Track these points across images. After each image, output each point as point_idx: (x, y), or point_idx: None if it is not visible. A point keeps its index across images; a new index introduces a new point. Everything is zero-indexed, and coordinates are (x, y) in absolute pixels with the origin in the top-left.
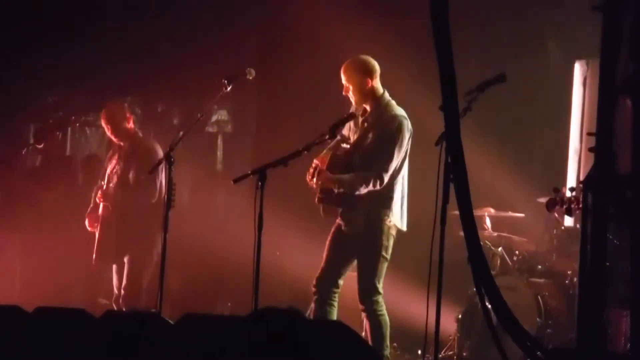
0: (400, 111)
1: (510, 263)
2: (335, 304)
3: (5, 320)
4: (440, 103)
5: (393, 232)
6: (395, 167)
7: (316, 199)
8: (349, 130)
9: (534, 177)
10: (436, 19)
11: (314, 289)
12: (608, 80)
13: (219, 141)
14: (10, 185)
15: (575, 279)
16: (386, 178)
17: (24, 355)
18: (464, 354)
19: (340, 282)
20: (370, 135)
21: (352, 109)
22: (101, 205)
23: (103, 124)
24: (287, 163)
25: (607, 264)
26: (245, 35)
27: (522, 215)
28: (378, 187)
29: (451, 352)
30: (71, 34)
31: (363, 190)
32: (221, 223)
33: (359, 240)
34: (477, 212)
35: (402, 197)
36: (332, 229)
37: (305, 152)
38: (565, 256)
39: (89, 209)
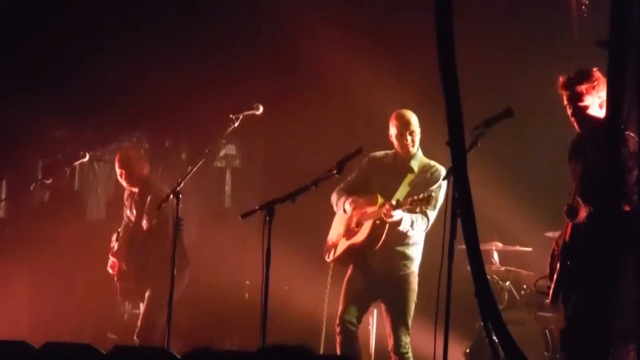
0: None
1: (518, 297)
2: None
3: (13, 355)
4: (447, 139)
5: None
6: None
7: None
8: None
9: (542, 211)
10: (443, 55)
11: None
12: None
13: (228, 176)
14: (18, 221)
15: None
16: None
17: None
18: None
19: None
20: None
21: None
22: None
23: (117, 167)
24: (296, 198)
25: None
26: (254, 71)
27: (529, 249)
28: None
29: None
30: (80, 69)
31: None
32: (230, 258)
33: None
34: (484, 246)
35: None
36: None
37: (314, 187)
38: None
39: (111, 251)
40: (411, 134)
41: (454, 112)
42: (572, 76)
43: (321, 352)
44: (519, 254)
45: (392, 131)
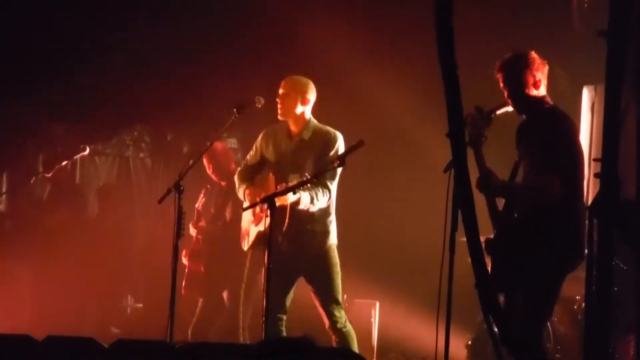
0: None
1: None
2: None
3: (16, 349)
4: (447, 130)
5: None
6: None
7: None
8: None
9: None
10: (443, 48)
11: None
12: (613, 106)
13: None
14: (19, 214)
15: (583, 304)
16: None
17: None
18: None
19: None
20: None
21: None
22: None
23: (205, 162)
24: (296, 191)
25: (615, 289)
26: (255, 64)
27: None
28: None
29: None
30: (81, 63)
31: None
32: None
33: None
34: (484, 239)
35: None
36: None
37: (315, 180)
38: (573, 281)
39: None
40: (280, 97)
41: (454, 105)
42: (507, 59)
43: (240, 340)
44: None
45: None
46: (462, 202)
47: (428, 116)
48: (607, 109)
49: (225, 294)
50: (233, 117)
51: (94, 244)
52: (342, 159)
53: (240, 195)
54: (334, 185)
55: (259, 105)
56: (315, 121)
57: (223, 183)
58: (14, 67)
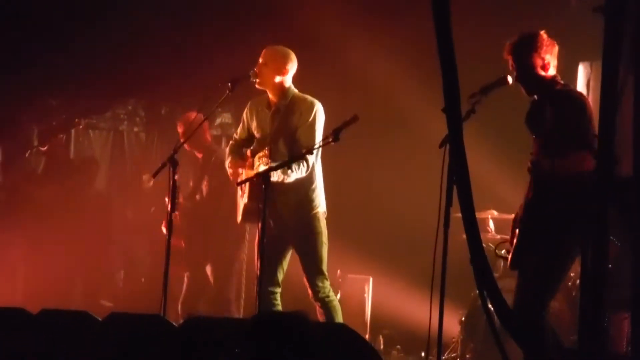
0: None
1: None
2: (279, 303)
3: (10, 322)
4: (443, 105)
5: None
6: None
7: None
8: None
9: None
10: (439, 22)
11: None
12: (610, 83)
13: (223, 144)
14: (14, 188)
15: (577, 282)
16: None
17: (29, 357)
18: (467, 356)
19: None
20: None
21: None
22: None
23: (179, 132)
24: (291, 167)
25: (610, 266)
26: (250, 38)
27: None
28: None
29: (454, 354)
30: (75, 36)
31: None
32: (223, 225)
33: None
34: (480, 215)
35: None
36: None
37: (309, 155)
38: None
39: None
40: (259, 67)
41: (451, 79)
42: (516, 41)
43: (241, 312)
44: None
45: None
46: (457, 177)
47: (424, 91)
48: (603, 85)
49: (208, 269)
50: (227, 91)
51: (88, 218)
52: (336, 134)
53: (227, 166)
54: (313, 157)
55: (254, 80)
56: (295, 90)
57: (199, 155)
58: (8, 41)
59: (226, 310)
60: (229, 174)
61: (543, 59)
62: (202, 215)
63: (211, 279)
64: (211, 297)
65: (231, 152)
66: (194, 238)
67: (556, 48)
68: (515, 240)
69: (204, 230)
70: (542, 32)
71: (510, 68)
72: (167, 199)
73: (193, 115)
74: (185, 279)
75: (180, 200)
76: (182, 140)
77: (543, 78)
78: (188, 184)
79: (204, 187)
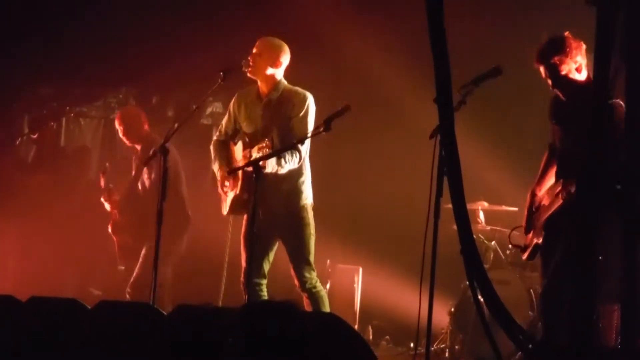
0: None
1: (503, 257)
2: (265, 294)
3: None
4: (434, 96)
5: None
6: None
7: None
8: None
9: (528, 171)
10: (431, 12)
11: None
12: (602, 75)
13: (214, 133)
14: (4, 175)
15: None
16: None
17: (18, 344)
18: (456, 347)
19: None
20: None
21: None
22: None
23: (117, 125)
24: (282, 155)
25: (599, 258)
26: (242, 29)
27: (515, 209)
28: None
29: (443, 345)
30: (66, 25)
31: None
32: (215, 215)
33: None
34: (470, 206)
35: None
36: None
37: (300, 145)
38: None
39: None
40: (252, 56)
41: (442, 70)
42: (545, 48)
43: (220, 304)
44: (505, 214)
45: None
46: (448, 168)
47: (415, 81)
48: (596, 76)
49: (142, 252)
50: (219, 81)
51: (77, 206)
52: (327, 124)
53: (215, 170)
54: (304, 147)
55: (246, 69)
56: (285, 82)
57: (138, 147)
58: None
59: (140, 295)
60: (220, 186)
61: (575, 62)
62: (144, 207)
63: (140, 261)
64: (134, 280)
65: (217, 151)
66: (139, 232)
67: (584, 47)
68: (543, 236)
69: (147, 222)
70: (567, 34)
71: (543, 76)
72: (102, 199)
73: (132, 110)
74: (136, 270)
75: (116, 197)
76: (120, 134)
77: (579, 83)
78: (123, 183)
79: (145, 179)
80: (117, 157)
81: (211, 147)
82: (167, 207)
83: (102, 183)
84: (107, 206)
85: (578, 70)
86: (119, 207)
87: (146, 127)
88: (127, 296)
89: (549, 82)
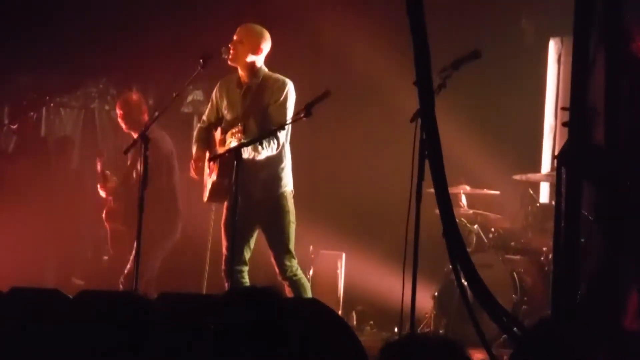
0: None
1: (485, 240)
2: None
3: None
4: (414, 78)
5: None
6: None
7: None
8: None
9: (509, 155)
10: None
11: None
12: (581, 58)
13: (195, 122)
14: None
15: (550, 256)
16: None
17: None
18: (440, 330)
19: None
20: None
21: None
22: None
23: (117, 109)
24: (263, 143)
25: (582, 240)
26: (220, 15)
27: (497, 192)
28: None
29: (427, 329)
30: (46, 14)
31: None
32: (198, 203)
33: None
34: (452, 190)
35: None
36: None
37: (280, 132)
38: (540, 233)
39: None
40: (233, 43)
41: (422, 53)
42: None
43: (203, 292)
44: (487, 197)
45: None
46: (429, 152)
47: (395, 64)
48: (575, 59)
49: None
50: (199, 68)
51: (59, 196)
52: (308, 110)
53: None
54: (283, 134)
55: (226, 56)
56: (265, 69)
57: (135, 134)
58: None
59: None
60: (191, 168)
61: None
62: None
63: (134, 253)
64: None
65: (197, 140)
66: (132, 220)
67: None
68: None
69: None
70: None
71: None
72: (99, 187)
73: (134, 97)
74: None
75: (112, 184)
76: (119, 118)
77: None
78: (121, 171)
79: (140, 166)
80: (99, 146)
81: (194, 134)
82: (158, 198)
83: (99, 167)
84: (102, 193)
85: None
86: (115, 195)
87: (145, 117)
88: (120, 286)
89: None
